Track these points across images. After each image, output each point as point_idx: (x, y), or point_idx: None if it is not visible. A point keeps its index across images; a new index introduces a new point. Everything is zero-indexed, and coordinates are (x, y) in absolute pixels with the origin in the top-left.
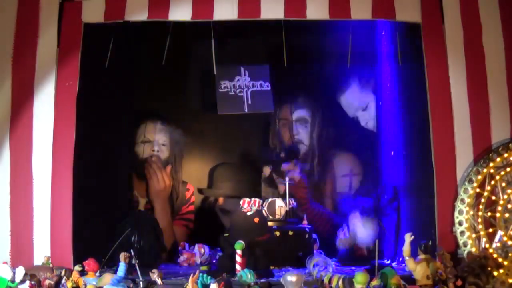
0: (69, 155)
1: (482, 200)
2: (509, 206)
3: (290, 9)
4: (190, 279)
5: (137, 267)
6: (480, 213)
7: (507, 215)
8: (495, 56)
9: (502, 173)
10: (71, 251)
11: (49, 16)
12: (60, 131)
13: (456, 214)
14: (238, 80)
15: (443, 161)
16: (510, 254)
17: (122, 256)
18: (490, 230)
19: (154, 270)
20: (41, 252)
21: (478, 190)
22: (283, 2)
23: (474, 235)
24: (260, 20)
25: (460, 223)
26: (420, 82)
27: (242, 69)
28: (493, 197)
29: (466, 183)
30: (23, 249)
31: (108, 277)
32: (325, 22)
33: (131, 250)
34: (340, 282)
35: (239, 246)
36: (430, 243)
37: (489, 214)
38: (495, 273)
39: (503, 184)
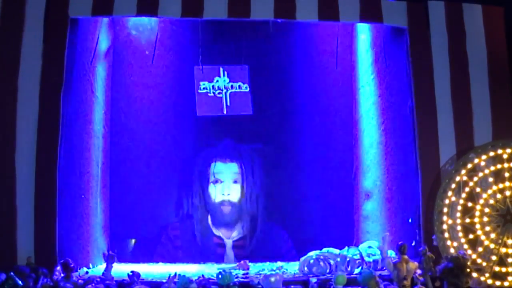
0: (54, 152)
1: (459, 208)
2: (486, 210)
3: (280, 10)
4: (168, 280)
5: None
6: (459, 221)
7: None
8: (478, 61)
9: (476, 178)
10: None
11: (35, 10)
12: (45, 128)
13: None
14: (218, 81)
15: (428, 161)
16: (494, 258)
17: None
18: (471, 236)
19: None
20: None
21: (453, 198)
22: (273, 2)
23: (456, 244)
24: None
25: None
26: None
27: (221, 69)
28: (469, 204)
29: (444, 186)
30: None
31: None
32: None
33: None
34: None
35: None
36: (409, 244)
37: (467, 221)
38: (473, 274)
39: (478, 190)
